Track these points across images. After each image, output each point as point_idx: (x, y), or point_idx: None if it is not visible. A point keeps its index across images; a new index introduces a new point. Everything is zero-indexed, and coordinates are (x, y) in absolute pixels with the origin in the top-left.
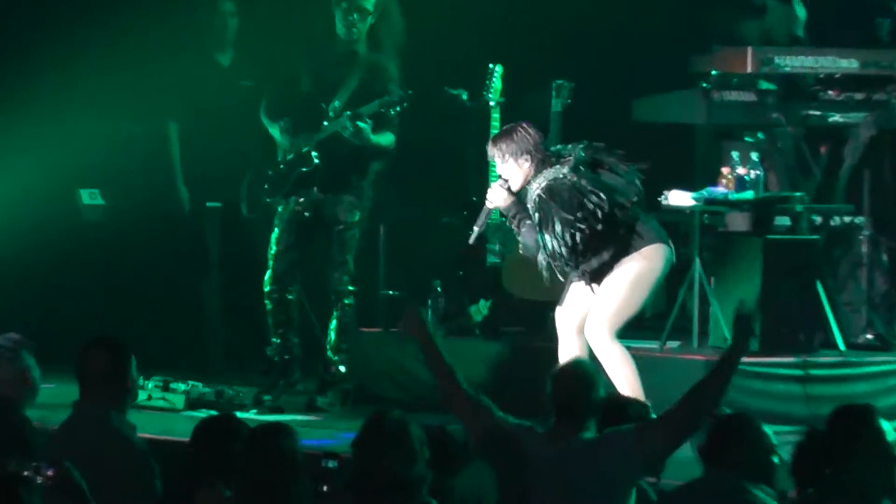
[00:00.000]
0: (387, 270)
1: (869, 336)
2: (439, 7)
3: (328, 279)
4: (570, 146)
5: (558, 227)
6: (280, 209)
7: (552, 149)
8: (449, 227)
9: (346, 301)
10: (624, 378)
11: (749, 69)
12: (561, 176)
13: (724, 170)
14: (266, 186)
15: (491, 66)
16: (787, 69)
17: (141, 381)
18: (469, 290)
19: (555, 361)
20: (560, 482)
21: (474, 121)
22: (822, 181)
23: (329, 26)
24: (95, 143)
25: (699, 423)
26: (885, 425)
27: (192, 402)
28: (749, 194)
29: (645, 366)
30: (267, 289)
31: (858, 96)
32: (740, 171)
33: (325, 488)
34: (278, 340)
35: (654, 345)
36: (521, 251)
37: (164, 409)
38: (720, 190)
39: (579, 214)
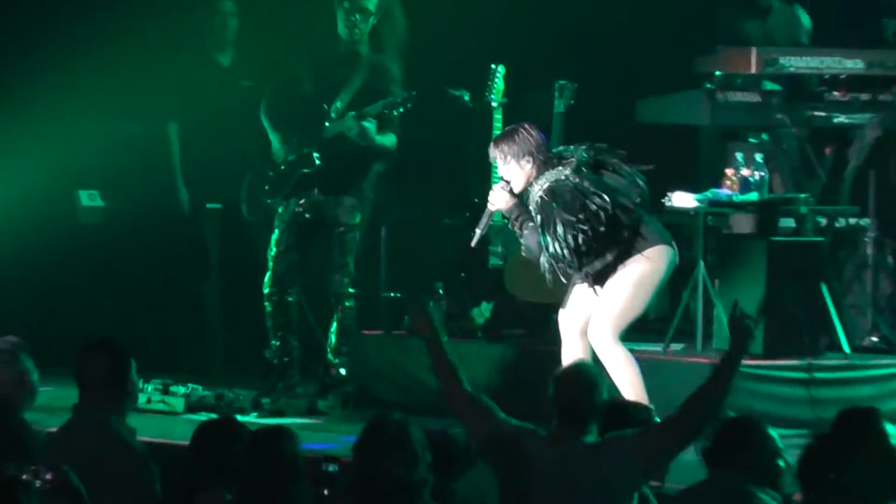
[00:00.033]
0: (388, 272)
1: (874, 339)
2: (441, 7)
3: (328, 282)
4: (572, 147)
5: (560, 229)
6: (280, 210)
7: (554, 150)
8: (451, 229)
9: (347, 303)
10: (627, 381)
11: (753, 70)
12: (563, 177)
13: (729, 171)
14: (267, 188)
15: (493, 66)
16: (792, 70)
17: (140, 385)
18: (471, 293)
19: (558, 364)
20: (561, 485)
21: (476, 121)
22: (827, 183)
23: (330, 26)
24: (95, 144)
25: (702, 427)
26: (890, 428)
27: (192, 406)
28: (753, 196)
29: (648, 368)
30: (266, 291)
31: (864, 97)
32: (745, 172)
33: (325, 492)
34: (277, 343)
35: (657, 347)
36: (523, 253)
37: (164, 412)
38: (724, 191)
39: (581, 216)
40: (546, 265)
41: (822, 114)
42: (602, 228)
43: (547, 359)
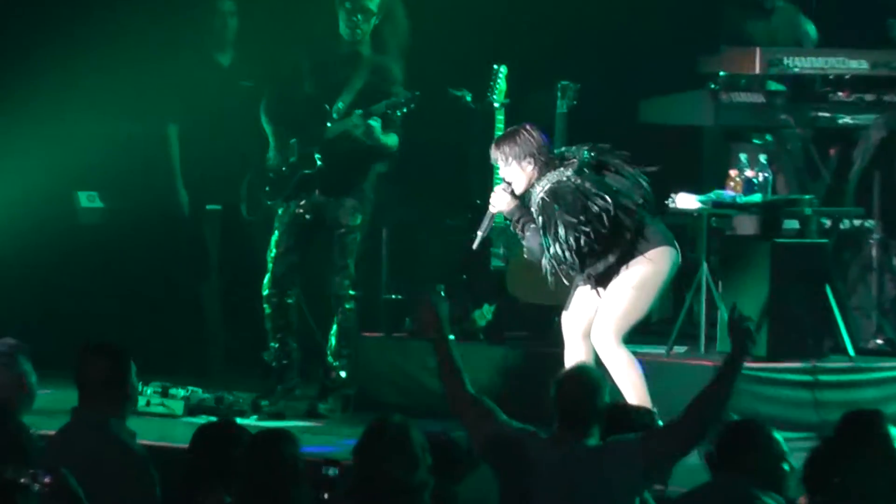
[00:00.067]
0: (389, 274)
1: (879, 341)
2: (443, 7)
3: (329, 283)
4: (574, 148)
5: (562, 231)
6: (280, 212)
7: (556, 151)
8: (452, 230)
9: (347, 305)
10: (630, 383)
11: (757, 70)
12: (565, 178)
13: (732, 172)
14: (267, 189)
15: (495, 66)
16: (797, 70)
17: (140, 387)
18: (473, 294)
19: (560, 366)
20: (562, 488)
21: (478, 122)
22: (831, 184)
23: (331, 26)
24: (95, 144)
25: (706, 431)
26: (895, 431)
27: (192, 408)
28: (757, 197)
29: (652, 371)
30: (266, 293)
31: (868, 97)
32: (748, 173)
33: (325, 496)
34: (276, 345)
35: (660, 350)
36: (525, 255)
37: (163, 415)
38: (728, 193)
39: (583, 217)
40: (548, 267)
41: (827, 114)
42: (604, 230)
43: (549, 361)
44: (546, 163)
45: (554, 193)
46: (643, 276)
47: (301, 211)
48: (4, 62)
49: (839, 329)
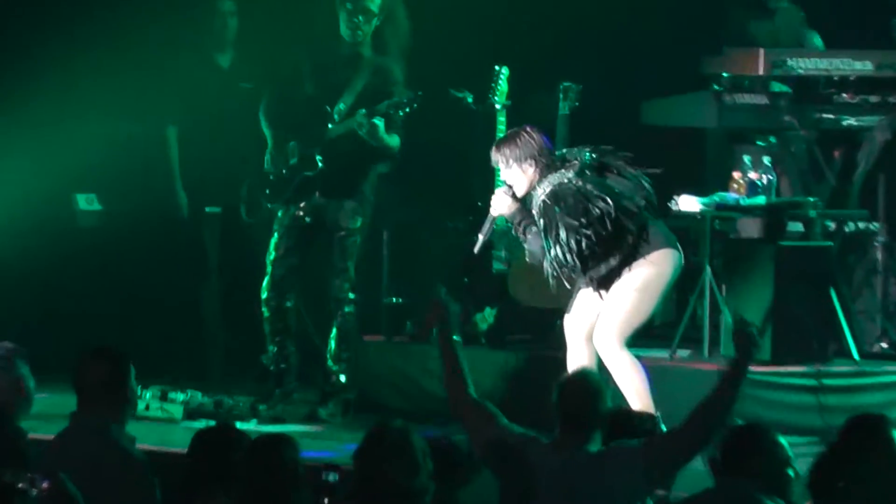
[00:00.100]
0: (390, 277)
1: (884, 345)
2: (445, 8)
3: (329, 286)
4: (575, 150)
5: (563, 234)
6: (280, 214)
7: (558, 153)
8: (454, 232)
9: (347, 309)
10: (633, 387)
11: (761, 71)
12: (566, 181)
13: (736, 174)
14: (268, 192)
15: (497, 67)
16: (801, 71)
17: (139, 391)
18: (474, 298)
19: (562, 370)
20: (563, 494)
21: (480, 124)
22: (835, 186)
23: (332, 27)
24: (93, 145)
25: (710, 438)
26: None
27: (191, 413)
28: (761, 199)
29: (655, 375)
30: (264, 296)
31: (873, 99)
32: (752, 175)
33: (325, 501)
34: (275, 349)
35: (664, 353)
36: (527, 258)
37: (162, 419)
38: (731, 195)
39: (584, 220)
40: (549, 270)
41: (831, 116)
42: (605, 233)
43: (551, 364)
44: (547, 165)
45: (555, 196)
46: (646, 278)
47: (301, 213)
48: (4, 63)
49: (844, 333)
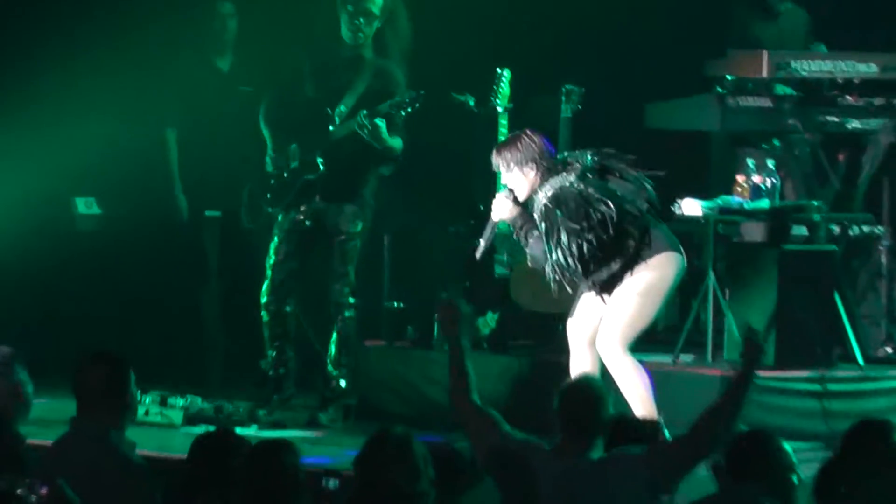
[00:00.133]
0: (391, 281)
1: (888, 350)
2: (446, 10)
3: (329, 291)
4: (577, 153)
5: (564, 238)
6: (280, 218)
7: (559, 156)
8: (455, 237)
9: (347, 314)
10: (636, 392)
11: (765, 74)
12: (567, 184)
13: (740, 178)
14: (268, 196)
15: (498, 70)
16: (805, 74)
17: (138, 396)
18: (476, 302)
19: (565, 374)
20: (565, 500)
21: (482, 127)
22: (840, 189)
23: (333, 29)
24: (93, 148)
25: (715, 446)
26: None
27: (191, 418)
28: (765, 203)
29: (658, 380)
30: (264, 300)
31: (878, 102)
32: (756, 179)
33: None
34: (274, 353)
35: (667, 358)
36: (529, 262)
37: (162, 424)
38: (735, 198)
39: (585, 224)
40: (551, 274)
41: (836, 119)
42: (606, 237)
43: (553, 369)
44: (548, 168)
45: (556, 199)
46: (648, 282)
47: (301, 217)
48: (4, 63)
49: (848, 337)
